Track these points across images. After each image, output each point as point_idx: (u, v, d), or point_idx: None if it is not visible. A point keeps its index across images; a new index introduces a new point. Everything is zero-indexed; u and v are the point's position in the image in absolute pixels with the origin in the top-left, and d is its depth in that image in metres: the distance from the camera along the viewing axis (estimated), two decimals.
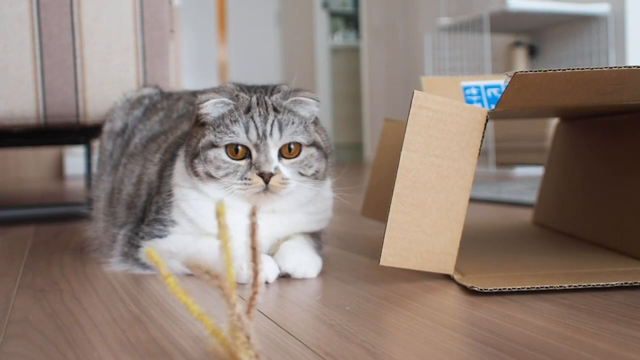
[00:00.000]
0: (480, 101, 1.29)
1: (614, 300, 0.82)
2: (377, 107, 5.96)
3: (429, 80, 1.31)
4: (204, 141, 1.00)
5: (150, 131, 1.27)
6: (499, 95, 1.29)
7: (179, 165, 1.07)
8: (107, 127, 1.34)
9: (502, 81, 1.30)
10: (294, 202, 1.04)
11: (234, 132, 0.98)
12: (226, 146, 0.99)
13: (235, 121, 0.99)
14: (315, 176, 1.04)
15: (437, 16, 4.68)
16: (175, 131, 1.19)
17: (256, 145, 0.98)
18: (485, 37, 3.71)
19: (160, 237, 1.05)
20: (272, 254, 1.03)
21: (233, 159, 0.99)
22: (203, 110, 1.01)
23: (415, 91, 0.91)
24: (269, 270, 0.97)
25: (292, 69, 7.13)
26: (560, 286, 0.86)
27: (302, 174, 1.01)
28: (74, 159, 4.75)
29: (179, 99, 1.32)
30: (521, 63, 3.94)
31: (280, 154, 1.00)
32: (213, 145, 1.00)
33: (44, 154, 4.83)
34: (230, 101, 1.01)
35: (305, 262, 1.00)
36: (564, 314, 0.76)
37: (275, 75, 7.09)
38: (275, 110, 1.00)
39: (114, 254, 1.12)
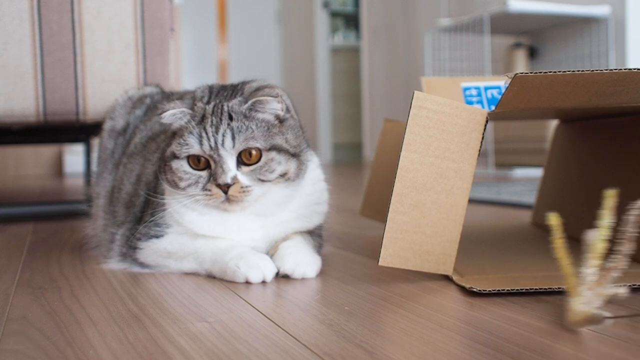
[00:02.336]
0: (480, 102, 1.29)
1: (612, 303, 0.82)
2: (376, 107, 5.96)
3: (429, 81, 1.31)
4: (168, 151, 1.02)
5: (151, 130, 1.27)
6: (498, 97, 1.29)
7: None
8: (108, 125, 1.34)
9: (502, 82, 1.30)
10: (270, 204, 1.03)
11: (188, 144, 0.99)
12: (187, 157, 1.00)
13: (190, 132, 0.99)
14: (286, 177, 1.01)
15: (438, 17, 4.68)
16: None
17: (211, 156, 0.98)
18: (485, 38, 3.71)
19: (157, 237, 1.06)
20: (271, 255, 1.03)
21: (195, 169, 1.00)
22: (163, 121, 1.03)
23: (416, 92, 0.91)
24: (266, 269, 0.97)
25: (292, 68, 7.13)
26: (559, 288, 0.86)
27: (262, 180, 0.99)
28: (74, 156, 4.75)
29: (180, 98, 1.32)
30: (521, 64, 3.94)
31: (242, 161, 0.99)
32: (175, 156, 1.01)
33: (44, 152, 4.83)
34: (188, 111, 1.01)
35: (303, 262, 1.00)
36: (562, 316, 0.76)
37: (275, 75, 7.09)
38: (229, 117, 0.99)
39: (113, 253, 1.12)
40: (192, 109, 1.02)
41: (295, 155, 1.02)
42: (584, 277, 0.72)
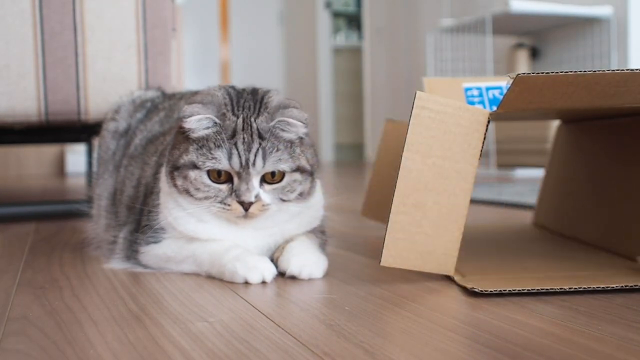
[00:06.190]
0: (481, 102, 1.29)
1: (614, 303, 0.82)
2: (378, 107, 5.96)
3: (431, 81, 1.31)
4: (186, 159, 0.98)
5: (150, 132, 1.27)
6: (500, 97, 1.29)
7: (164, 170, 1.07)
8: (111, 126, 1.34)
9: (503, 83, 1.30)
10: (278, 221, 1.04)
11: (215, 158, 0.96)
12: (209, 170, 0.98)
13: (219, 146, 0.97)
14: (302, 197, 1.03)
15: (440, 17, 4.68)
16: (174, 132, 1.19)
17: (238, 173, 0.97)
18: (487, 39, 3.71)
19: (155, 242, 1.06)
20: (277, 257, 1.03)
21: (215, 182, 0.98)
22: (186, 125, 0.98)
23: (418, 92, 0.91)
24: (265, 270, 0.97)
25: (295, 68, 7.13)
26: (560, 288, 0.86)
27: (283, 200, 1.00)
28: (75, 156, 4.75)
29: (181, 99, 1.32)
30: (523, 65, 3.94)
31: (263, 179, 0.99)
32: (195, 166, 0.98)
33: (45, 151, 4.83)
34: (216, 120, 0.97)
35: (309, 262, 1.00)
36: (563, 316, 0.76)
37: (277, 75, 7.09)
38: (260, 136, 0.97)
39: (116, 253, 1.13)
40: (219, 117, 0.98)
41: (312, 174, 1.03)
42: None
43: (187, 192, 0.99)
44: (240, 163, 0.96)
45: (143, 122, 1.31)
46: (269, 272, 0.97)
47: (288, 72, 7.22)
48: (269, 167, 0.98)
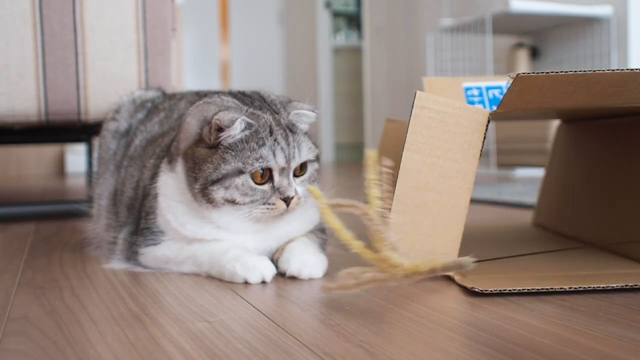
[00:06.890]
0: (481, 102, 1.29)
1: (614, 303, 0.82)
2: (378, 107, 5.96)
3: (431, 81, 1.31)
4: (228, 168, 0.96)
5: (150, 133, 1.27)
6: (500, 97, 1.29)
7: (166, 179, 1.05)
8: (112, 126, 1.34)
9: (503, 82, 1.30)
10: (292, 216, 1.04)
11: (262, 157, 0.96)
12: (252, 172, 0.96)
13: (262, 145, 0.96)
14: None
15: (440, 17, 4.68)
16: (173, 133, 1.18)
17: (281, 169, 0.98)
18: (487, 39, 3.71)
19: (154, 244, 1.06)
20: (277, 257, 1.03)
21: (258, 184, 0.97)
22: (232, 132, 0.95)
23: (418, 91, 0.91)
24: (265, 270, 0.97)
25: (295, 68, 7.13)
26: (561, 288, 0.86)
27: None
28: (75, 156, 4.75)
29: (182, 99, 1.32)
30: (523, 64, 3.94)
31: (293, 173, 1.00)
32: (241, 172, 0.96)
33: (45, 152, 4.83)
34: (250, 121, 0.96)
35: (310, 263, 1.00)
36: (563, 316, 0.76)
37: (277, 75, 7.09)
38: (290, 130, 0.99)
39: (116, 253, 1.13)
40: (250, 117, 0.97)
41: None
42: (375, 228, 0.82)
43: (231, 202, 0.97)
44: (285, 158, 0.98)
45: (143, 122, 1.31)
46: (269, 271, 0.97)
47: (288, 72, 7.21)
48: (304, 157, 1.00)
